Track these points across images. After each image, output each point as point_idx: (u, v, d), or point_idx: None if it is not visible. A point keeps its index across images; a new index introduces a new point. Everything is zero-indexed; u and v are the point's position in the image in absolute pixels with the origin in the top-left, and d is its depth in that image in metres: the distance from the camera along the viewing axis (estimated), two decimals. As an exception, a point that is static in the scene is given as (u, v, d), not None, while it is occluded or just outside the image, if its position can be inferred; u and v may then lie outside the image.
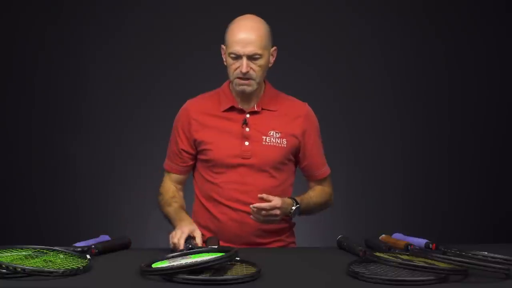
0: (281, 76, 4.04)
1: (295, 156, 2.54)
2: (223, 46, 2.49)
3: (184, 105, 2.56)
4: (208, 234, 2.43)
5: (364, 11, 4.38)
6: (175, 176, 2.55)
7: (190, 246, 2.09)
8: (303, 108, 2.57)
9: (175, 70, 4.25)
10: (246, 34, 2.40)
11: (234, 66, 2.42)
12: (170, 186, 2.54)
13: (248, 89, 2.44)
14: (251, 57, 2.40)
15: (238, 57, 2.40)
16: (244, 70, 2.39)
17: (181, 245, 2.18)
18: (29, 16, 4.23)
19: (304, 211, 2.48)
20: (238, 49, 2.39)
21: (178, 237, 2.21)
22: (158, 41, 4.28)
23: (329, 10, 4.36)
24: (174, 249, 2.20)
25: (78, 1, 4.30)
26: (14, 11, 4.23)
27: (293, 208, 2.42)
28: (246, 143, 2.47)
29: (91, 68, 4.29)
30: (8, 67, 4.24)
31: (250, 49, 2.39)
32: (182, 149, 2.52)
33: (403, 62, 4.39)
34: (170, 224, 2.48)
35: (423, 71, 4.40)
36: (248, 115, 2.50)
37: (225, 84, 2.56)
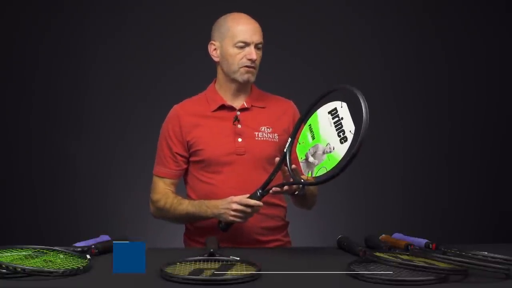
0: (281, 75, 4.07)
1: None
2: (213, 42, 2.51)
3: (172, 110, 2.56)
4: (207, 235, 2.42)
5: (364, 11, 4.38)
6: (169, 181, 2.54)
7: (212, 250, 2.04)
8: (289, 104, 2.61)
9: (175, 70, 4.26)
10: (251, 24, 2.47)
11: (239, 56, 2.45)
12: (167, 190, 2.53)
13: (252, 78, 2.48)
14: (256, 46, 2.45)
15: (245, 45, 2.43)
16: (254, 56, 2.43)
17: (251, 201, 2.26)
18: (29, 16, 4.23)
19: (306, 193, 2.42)
20: (246, 37, 2.43)
21: (242, 200, 2.27)
22: (158, 41, 4.28)
23: (329, 10, 4.37)
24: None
25: (78, 1, 4.30)
26: (14, 11, 4.23)
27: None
28: (239, 139, 2.48)
29: (91, 68, 4.29)
30: (8, 67, 4.24)
31: (257, 37, 2.46)
32: (176, 153, 2.51)
33: (403, 62, 4.39)
34: (191, 220, 2.48)
35: (423, 71, 4.41)
36: (238, 112, 2.51)
37: (210, 86, 2.58)
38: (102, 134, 4.29)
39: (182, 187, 2.60)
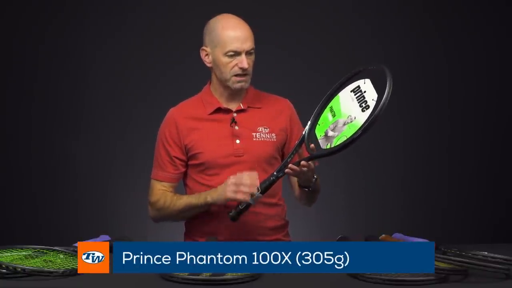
0: (281, 76, 4.07)
1: (283, 150, 2.55)
2: (205, 48, 2.49)
3: (168, 114, 2.55)
4: (207, 235, 2.43)
5: (364, 11, 4.38)
6: (167, 184, 2.53)
7: None
8: (285, 103, 2.59)
9: (175, 70, 4.25)
10: (242, 30, 2.43)
11: (231, 64, 2.43)
12: (164, 191, 2.52)
13: (245, 85, 2.46)
14: (248, 52, 2.42)
15: (236, 54, 2.41)
16: (246, 65, 2.41)
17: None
18: (29, 16, 4.23)
19: (316, 186, 2.43)
20: (237, 45, 2.40)
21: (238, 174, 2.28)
22: (158, 41, 4.28)
23: (329, 10, 4.36)
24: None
25: (78, 1, 4.30)
26: (14, 11, 4.23)
27: (315, 176, 2.37)
28: (237, 141, 2.48)
29: (91, 68, 4.28)
30: (8, 67, 4.24)
31: (248, 45, 2.42)
32: (174, 157, 2.50)
33: (403, 62, 4.39)
34: (192, 212, 2.46)
35: (423, 71, 4.40)
36: (235, 114, 2.51)
37: (205, 88, 2.57)
38: (102, 134, 4.28)
39: (181, 190, 2.59)
